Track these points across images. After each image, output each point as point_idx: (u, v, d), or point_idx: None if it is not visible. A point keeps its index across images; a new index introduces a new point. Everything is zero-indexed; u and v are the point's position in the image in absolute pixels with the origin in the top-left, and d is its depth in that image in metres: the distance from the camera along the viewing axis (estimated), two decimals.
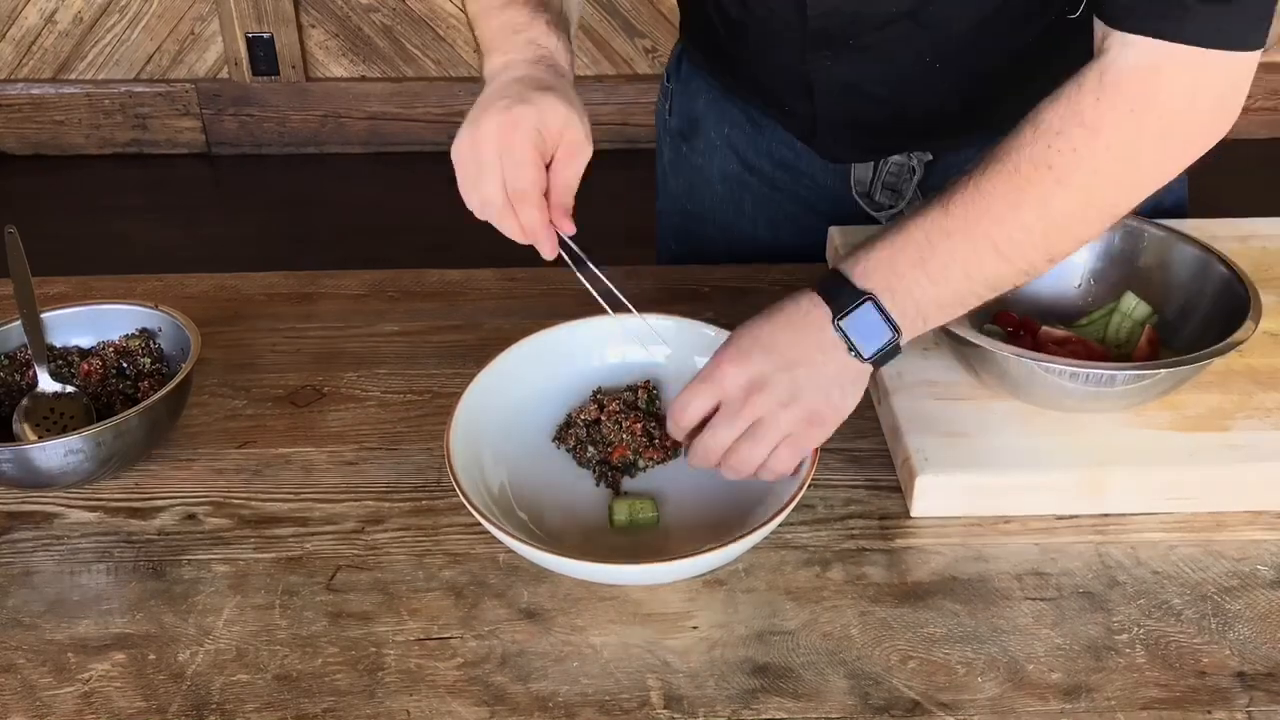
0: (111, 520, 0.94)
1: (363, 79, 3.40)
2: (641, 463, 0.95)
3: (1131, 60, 0.79)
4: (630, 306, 0.95)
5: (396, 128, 3.43)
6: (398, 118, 3.41)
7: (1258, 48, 0.78)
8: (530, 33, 0.92)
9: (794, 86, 1.11)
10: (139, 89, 3.40)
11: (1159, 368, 0.91)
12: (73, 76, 3.39)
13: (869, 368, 0.85)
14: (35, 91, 3.39)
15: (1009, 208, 0.82)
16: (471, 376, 0.95)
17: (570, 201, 0.88)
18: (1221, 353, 0.91)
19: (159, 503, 0.95)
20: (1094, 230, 0.86)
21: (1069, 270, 1.06)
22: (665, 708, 0.78)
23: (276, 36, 3.31)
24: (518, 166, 0.85)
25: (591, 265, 0.92)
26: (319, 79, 3.40)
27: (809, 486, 0.86)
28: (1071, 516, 0.92)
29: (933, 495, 0.91)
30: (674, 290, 1.20)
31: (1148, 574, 0.88)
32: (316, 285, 1.23)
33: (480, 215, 0.88)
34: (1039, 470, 0.92)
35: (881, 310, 0.83)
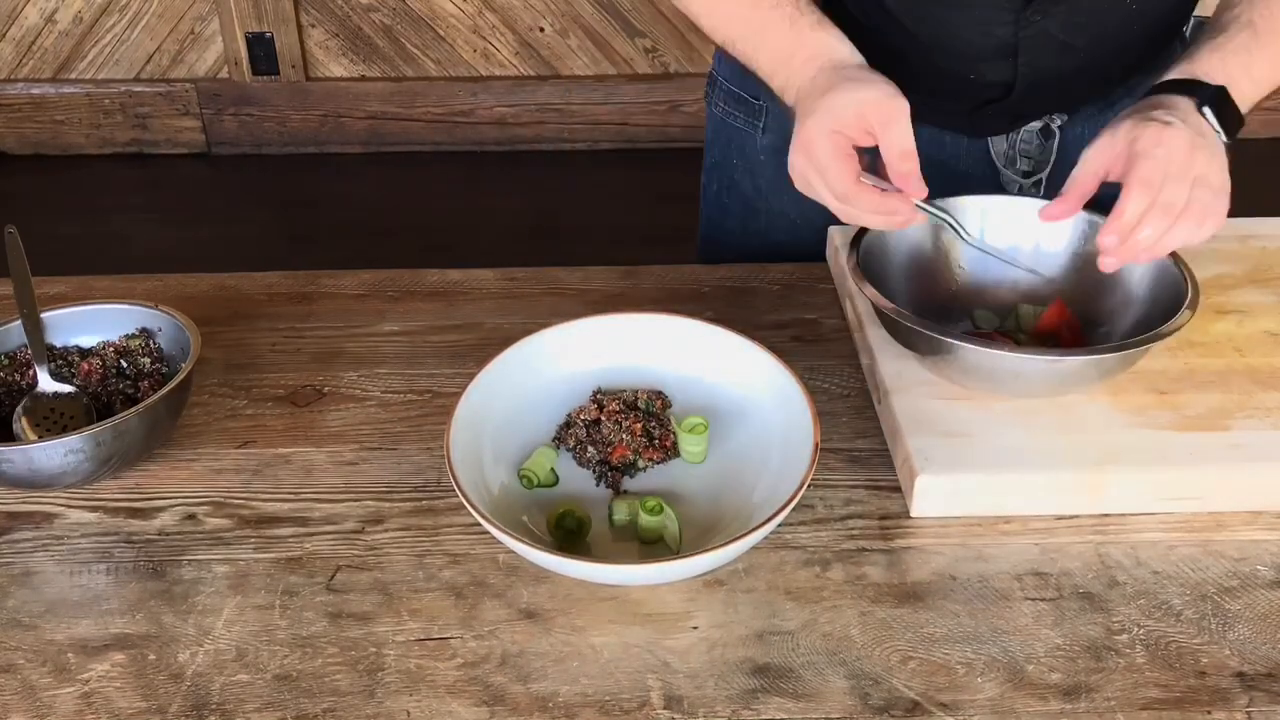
0: (111, 520, 0.94)
1: (363, 79, 3.40)
2: (641, 463, 0.95)
3: None
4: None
5: (396, 128, 3.43)
6: (398, 118, 3.41)
7: None
8: (803, 52, 0.99)
9: (997, 52, 1.11)
10: (139, 89, 3.40)
11: (1103, 352, 0.95)
12: (73, 76, 3.39)
13: (1224, 149, 0.95)
14: (35, 91, 3.39)
15: None
16: (471, 376, 0.95)
17: (907, 165, 0.94)
18: (1158, 339, 0.93)
19: (159, 503, 0.95)
20: None
21: (1023, 259, 1.09)
22: (665, 708, 0.78)
23: (276, 36, 3.31)
24: (826, 173, 0.94)
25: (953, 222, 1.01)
26: (319, 79, 3.40)
27: (809, 487, 0.86)
28: (1071, 516, 0.92)
29: (933, 495, 0.91)
30: (674, 290, 1.20)
31: (1148, 574, 0.88)
32: (316, 285, 1.23)
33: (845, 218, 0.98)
34: (1039, 470, 0.92)
35: (1229, 99, 0.97)
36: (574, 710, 0.78)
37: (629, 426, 0.95)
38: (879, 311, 0.99)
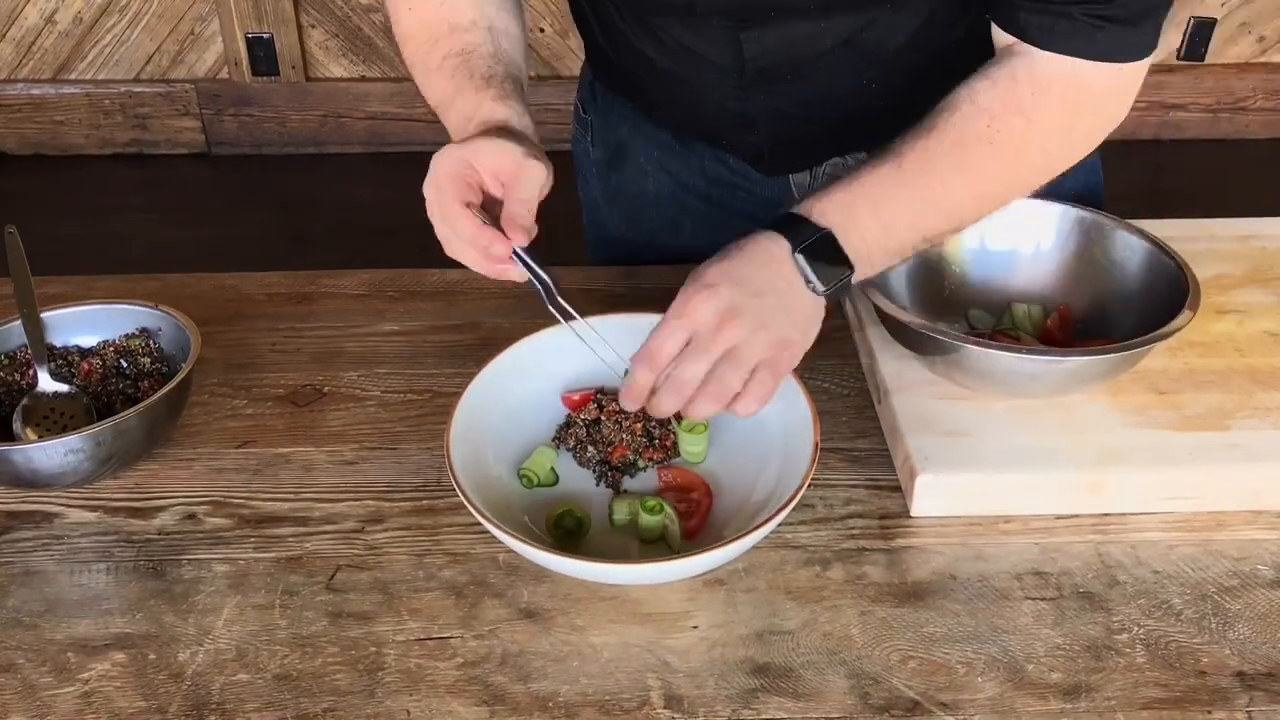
0: (111, 520, 0.94)
1: (362, 79, 3.40)
2: (641, 463, 0.95)
3: (1057, 68, 0.90)
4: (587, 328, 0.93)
5: (396, 128, 3.43)
6: (397, 118, 3.41)
7: (1143, 55, 0.91)
8: (479, 116, 0.97)
9: (735, 122, 1.12)
10: (139, 89, 3.40)
11: (1101, 353, 0.94)
12: (73, 76, 3.38)
13: (823, 301, 0.89)
14: (35, 91, 3.39)
15: (952, 172, 0.91)
16: (471, 376, 0.95)
17: (519, 210, 0.90)
18: (1159, 339, 0.93)
19: (159, 502, 0.95)
20: (1017, 197, 0.97)
21: (1019, 260, 1.10)
22: (665, 708, 0.78)
23: (276, 37, 3.31)
24: (440, 190, 0.92)
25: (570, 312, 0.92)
26: (319, 79, 3.40)
27: (809, 486, 0.86)
28: (1071, 516, 0.92)
29: (933, 495, 0.91)
30: (674, 290, 1.19)
31: (1148, 574, 0.88)
32: (316, 285, 1.23)
33: (448, 251, 0.94)
34: (1039, 470, 0.92)
35: (836, 246, 0.88)
36: (574, 710, 0.78)
37: (629, 426, 0.95)
38: (880, 312, 0.99)
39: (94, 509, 0.94)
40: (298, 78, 3.38)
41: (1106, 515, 0.92)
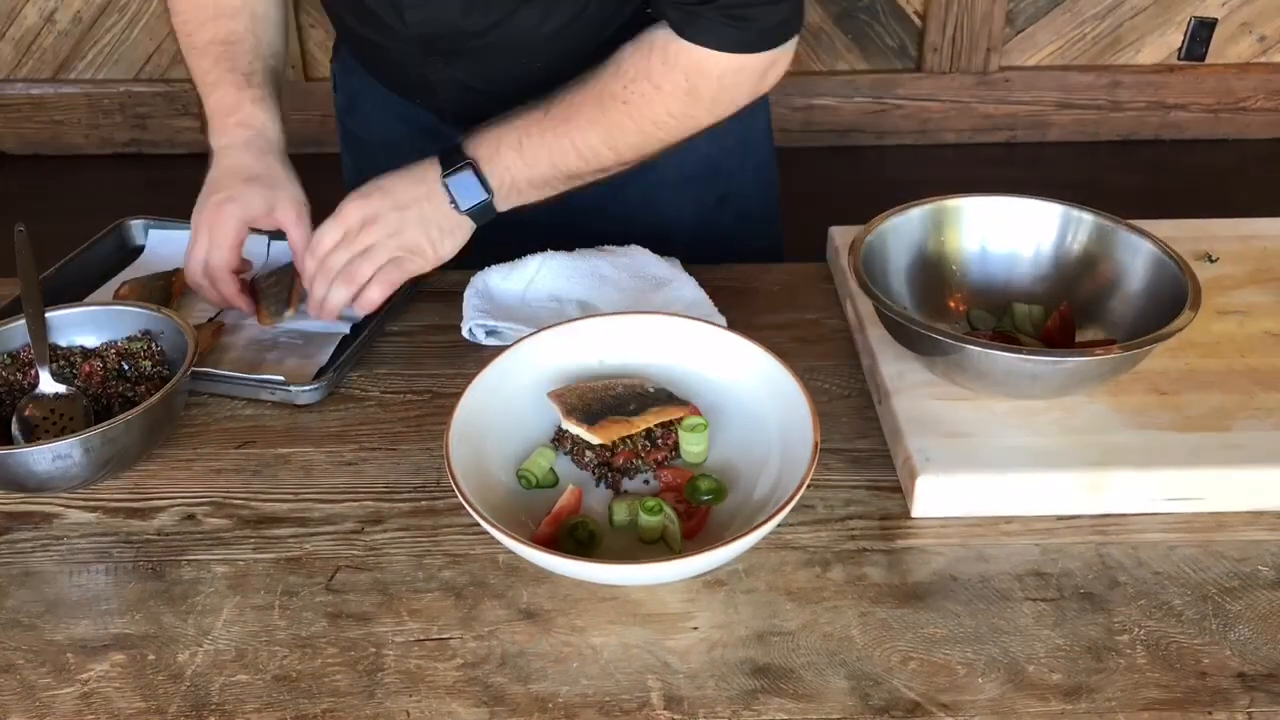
0: (111, 520, 0.93)
1: None
2: (642, 465, 0.94)
3: (684, 49, 1.03)
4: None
5: None
6: None
7: (770, 49, 1.04)
8: (240, 114, 1.15)
9: (418, 86, 1.23)
10: (138, 89, 3.40)
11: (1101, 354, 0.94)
12: (72, 76, 3.38)
13: (466, 220, 1.09)
14: (34, 91, 3.39)
15: (589, 123, 1.07)
16: (471, 376, 0.95)
17: (305, 256, 1.10)
18: (1160, 339, 0.93)
19: (158, 503, 0.95)
20: (653, 148, 1.10)
21: (1019, 261, 1.10)
22: (665, 708, 0.78)
23: None
24: (218, 249, 1.10)
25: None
26: (319, 79, 3.40)
27: (809, 487, 0.86)
28: (1072, 516, 0.92)
29: (933, 495, 0.91)
30: None
31: (1148, 574, 0.88)
32: None
33: (188, 281, 1.14)
34: (1039, 470, 0.91)
35: (479, 175, 1.07)
36: (574, 711, 0.78)
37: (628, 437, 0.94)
38: (880, 313, 0.99)
39: (93, 510, 0.94)
40: (297, 78, 3.38)
41: (1107, 516, 0.92)
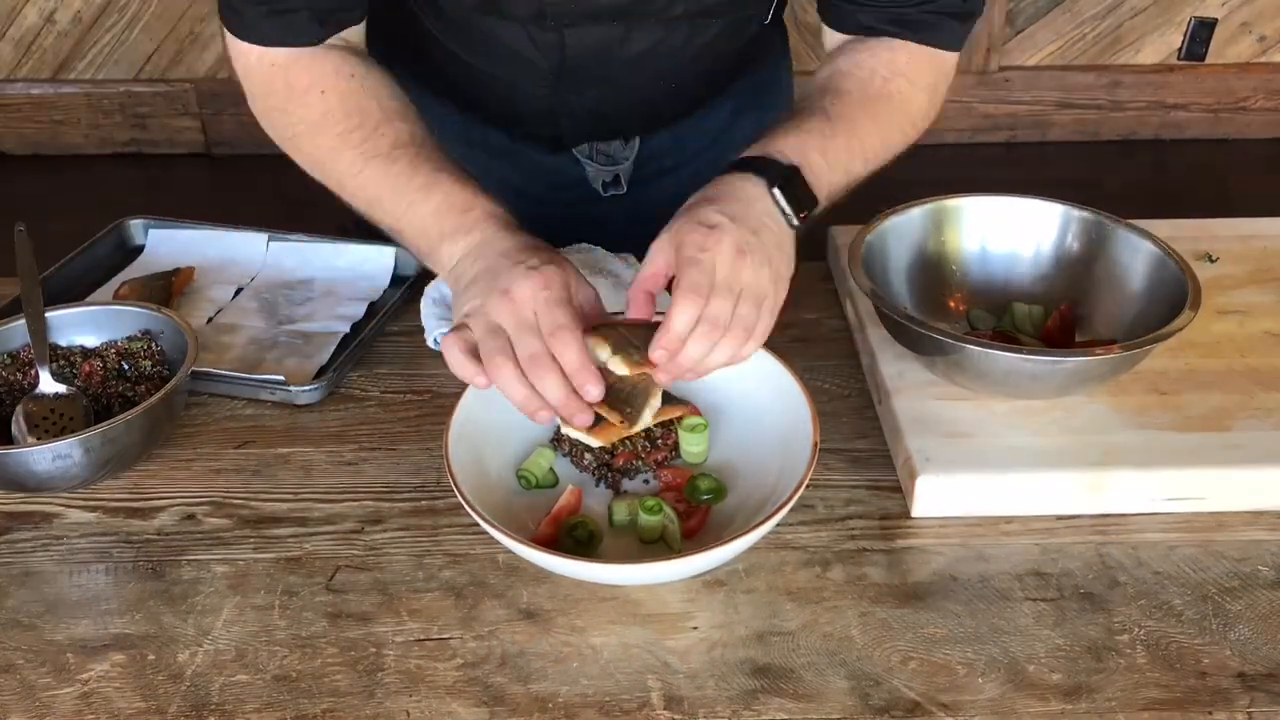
0: (111, 520, 0.93)
1: None
2: (642, 465, 0.94)
3: (925, 50, 1.05)
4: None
5: None
6: None
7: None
8: (479, 208, 0.92)
9: (540, 117, 1.18)
10: (138, 89, 3.39)
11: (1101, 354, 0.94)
12: (72, 76, 3.38)
13: (793, 234, 0.93)
14: (35, 91, 3.39)
15: (869, 121, 1.01)
16: None
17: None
18: (1160, 339, 0.93)
19: (158, 503, 0.95)
20: (904, 146, 1.07)
21: (1019, 260, 1.10)
22: (665, 708, 0.78)
23: None
24: (558, 308, 0.84)
25: None
26: None
27: (809, 487, 0.86)
28: (1072, 516, 0.92)
29: (933, 495, 0.91)
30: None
31: (1148, 574, 0.88)
32: None
33: (511, 391, 0.83)
34: (1039, 470, 0.91)
35: (804, 180, 0.93)
36: (574, 711, 0.78)
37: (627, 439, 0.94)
38: (880, 312, 0.99)
39: (93, 509, 0.94)
40: None
41: (1107, 516, 0.92)
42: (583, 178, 1.29)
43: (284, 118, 1.03)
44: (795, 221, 0.92)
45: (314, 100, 1.00)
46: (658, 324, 0.85)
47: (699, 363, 0.85)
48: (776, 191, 0.91)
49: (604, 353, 0.85)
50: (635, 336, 0.86)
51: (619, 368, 0.85)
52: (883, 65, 1.03)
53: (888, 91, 1.03)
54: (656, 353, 0.84)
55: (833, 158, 0.96)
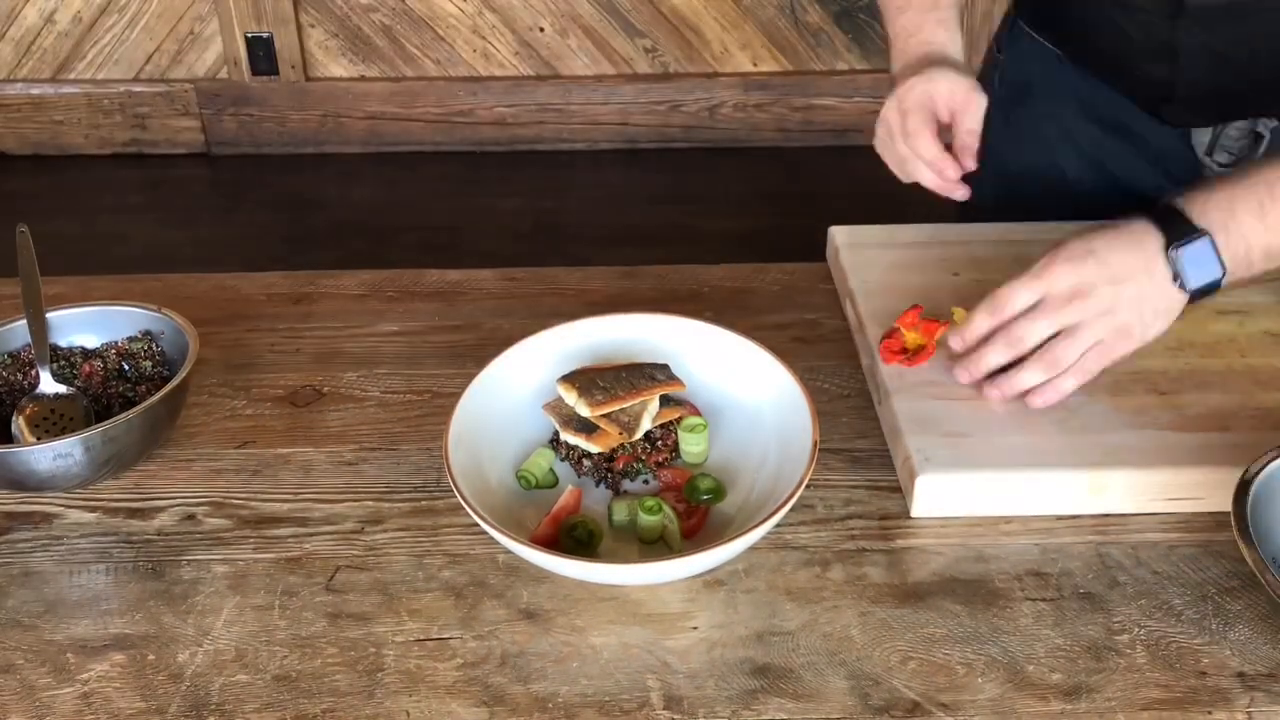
0: (110, 520, 0.93)
1: (362, 79, 3.39)
2: (642, 467, 0.94)
3: None
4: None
5: (396, 128, 3.42)
6: (397, 118, 3.41)
7: None
8: (922, 34, 1.11)
9: (1156, 54, 1.12)
10: (138, 89, 3.39)
11: None
12: (72, 76, 3.38)
13: (1185, 299, 0.90)
14: (34, 91, 3.39)
15: None
16: (471, 376, 0.95)
17: (969, 140, 1.07)
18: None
19: (158, 503, 0.95)
20: None
21: None
22: (665, 708, 0.78)
23: (276, 36, 3.31)
24: (908, 117, 1.06)
25: None
26: (318, 79, 3.40)
27: (809, 487, 0.86)
28: (1071, 516, 0.92)
29: (933, 495, 0.91)
30: (673, 290, 1.20)
31: (1148, 574, 0.88)
32: (315, 285, 1.23)
33: (898, 171, 1.11)
34: (1039, 470, 0.91)
35: (1214, 247, 0.89)
36: (574, 711, 0.78)
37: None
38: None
39: (93, 510, 0.94)
40: (297, 77, 3.38)
41: (1107, 516, 0.92)
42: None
43: None
44: (1190, 287, 0.90)
45: None
46: (626, 366, 0.93)
47: (1004, 381, 0.92)
48: (1172, 253, 0.89)
49: (571, 396, 0.93)
50: (603, 379, 0.93)
51: (582, 409, 0.92)
52: None
53: None
54: (953, 342, 0.94)
55: (1275, 219, 0.89)
